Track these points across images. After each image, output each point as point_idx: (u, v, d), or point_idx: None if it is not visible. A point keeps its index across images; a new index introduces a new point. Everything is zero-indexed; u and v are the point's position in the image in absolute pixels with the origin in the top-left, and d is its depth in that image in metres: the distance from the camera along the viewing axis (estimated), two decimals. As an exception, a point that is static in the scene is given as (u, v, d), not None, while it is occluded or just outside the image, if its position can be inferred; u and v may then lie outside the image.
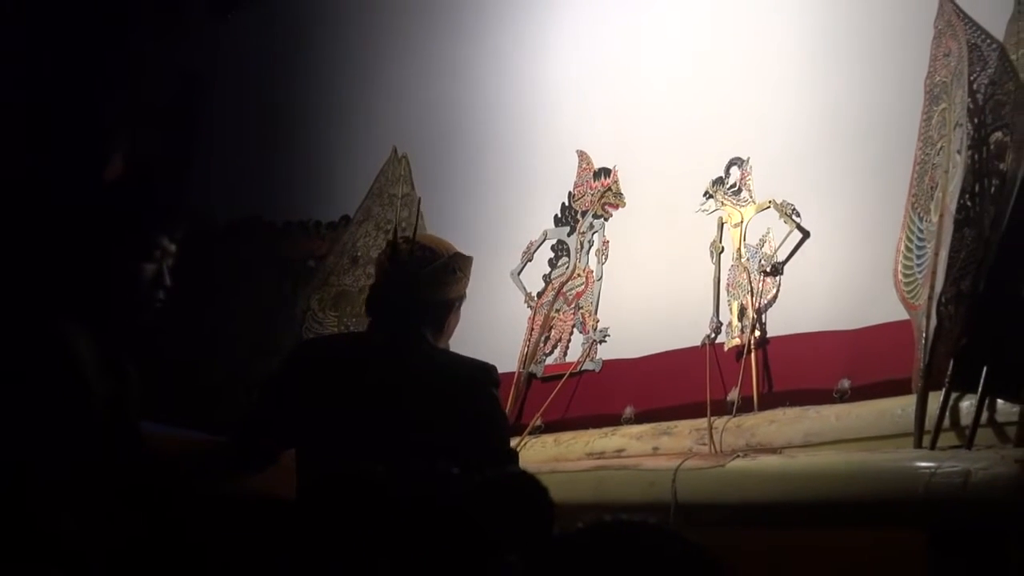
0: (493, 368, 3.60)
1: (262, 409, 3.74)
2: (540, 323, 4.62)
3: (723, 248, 4.20)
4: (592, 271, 4.58)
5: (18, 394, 3.03)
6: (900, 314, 3.54)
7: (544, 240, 4.76)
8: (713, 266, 4.19)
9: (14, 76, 5.47)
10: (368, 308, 3.74)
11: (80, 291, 3.25)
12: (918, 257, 3.51)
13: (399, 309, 3.61)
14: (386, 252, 3.74)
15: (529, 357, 4.58)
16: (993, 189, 3.38)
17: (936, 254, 3.39)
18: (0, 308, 3.30)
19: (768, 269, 4.03)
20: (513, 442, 4.14)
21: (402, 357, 3.54)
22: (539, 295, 4.69)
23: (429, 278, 3.61)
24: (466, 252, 3.79)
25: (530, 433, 4.34)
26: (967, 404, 3.28)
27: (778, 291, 4.02)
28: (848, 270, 3.89)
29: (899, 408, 3.44)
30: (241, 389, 5.03)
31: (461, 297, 3.73)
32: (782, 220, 4.06)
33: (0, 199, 5.00)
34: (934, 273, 3.37)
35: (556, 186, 4.77)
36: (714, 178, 4.29)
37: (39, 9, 5.61)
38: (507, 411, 4.30)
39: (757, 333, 3.99)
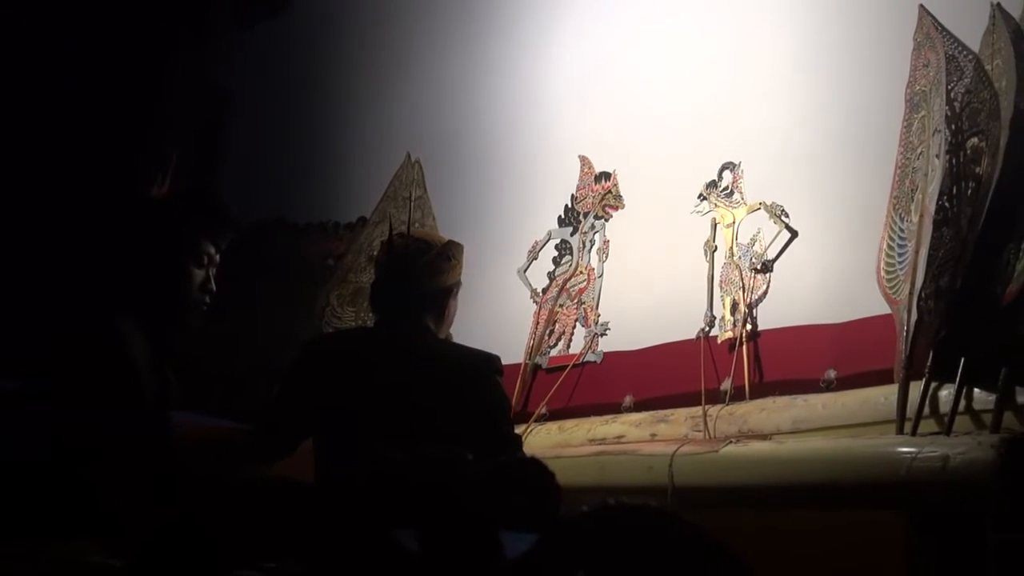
0: (496, 357, 3.58)
1: (279, 402, 3.74)
2: (545, 318, 4.61)
3: (716, 247, 4.19)
4: (593, 269, 4.57)
5: (78, 384, 3.04)
6: (883, 309, 3.54)
7: (548, 240, 4.76)
8: (707, 264, 4.19)
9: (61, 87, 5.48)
10: (373, 304, 3.73)
11: (136, 294, 3.27)
12: (899, 255, 3.51)
13: (401, 300, 3.59)
14: (383, 249, 3.73)
15: (534, 349, 4.58)
16: (970, 191, 3.37)
17: (916, 252, 3.38)
18: (67, 305, 3.32)
19: (759, 267, 4.03)
20: (519, 429, 4.15)
21: (409, 348, 3.53)
22: (544, 291, 4.69)
23: (427, 267, 3.59)
24: (475, 252, 3.80)
25: (535, 421, 4.34)
26: (946, 393, 3.28)
27: (768, 287, 4.02)
28: (834, 267, 3.88)
29: (882, 397, 3.44)
30: (264, 380, 5.04)
31: (458, 284, 3.70)
32: (772, 221, 4.07)
33: (68, 204, 5.03)
34: (915, 270, 3.37)
35: (559, 189, 4.77)
36: (707, 181, 4.29)
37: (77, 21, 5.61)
38: (513, 400, 4.32)
39: (748, 327, 3.98)
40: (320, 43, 5.84)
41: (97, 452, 3.02)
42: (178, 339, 3.42)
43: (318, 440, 3.54)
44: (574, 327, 4.54)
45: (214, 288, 3.39)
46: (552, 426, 4.31)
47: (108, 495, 3.00)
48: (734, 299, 4.06)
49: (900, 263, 3.49)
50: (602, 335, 4.46)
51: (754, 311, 4.01)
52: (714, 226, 4.21)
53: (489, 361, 3.59)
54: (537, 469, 2.33)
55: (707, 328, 4.11)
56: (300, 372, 3.67)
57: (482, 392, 3.50)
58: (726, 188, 4.24)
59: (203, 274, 3.38)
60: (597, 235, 4.61)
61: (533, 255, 4.77)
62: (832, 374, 3.73)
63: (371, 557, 2.38)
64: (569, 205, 4.74)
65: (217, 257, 3.42)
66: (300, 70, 5.83)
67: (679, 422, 3.94)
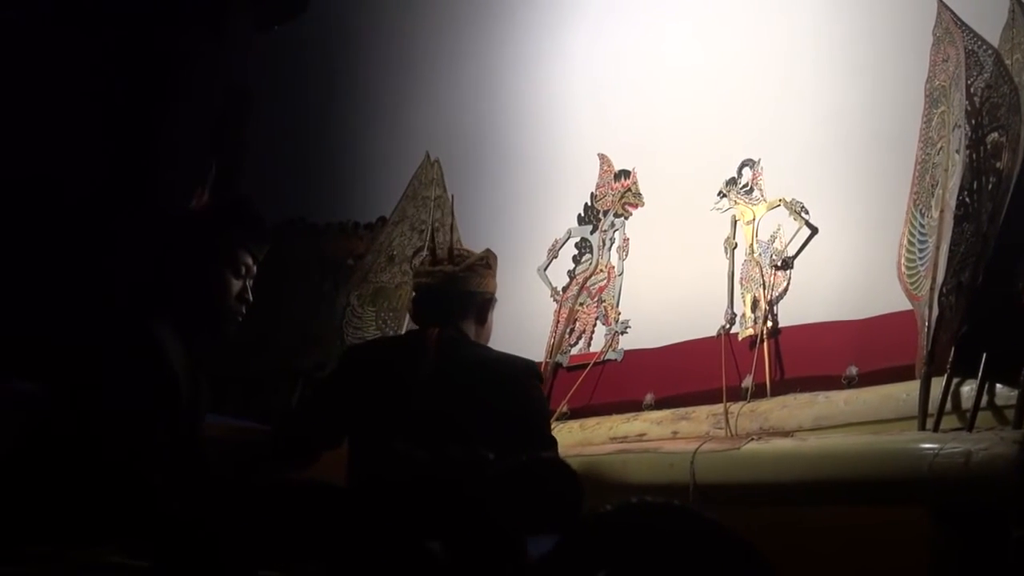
0: (535, 364, 3.65)
1: (310, 412, 3.77)
2: (565, 316, 4.62)
3: (736, 244, 4.19)
4: (613, 266, 4.58)
5: (117, 388, 3.06)
6: (904, 305, 3.53)
7: (568, 238, 4.76)
8: (727, 261, 4.18)
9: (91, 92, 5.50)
10: (414, 313, 3.78)
11: (175, 302, 3.30)
12: (920, 251, 3.49)
13: (445, 306, 3.65)
14: (426, 259, 3.80)
15: (555, 348, 4.58)
16: (990, 186, 3.36)
17: (937, 248, 3.37)
18: (106, 313, 3.34)
19: (779, 263, 4.03)
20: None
21: (449, 355, 3.56)
22: (564, 290, 4.70)
23: (470, 271, 3.66)
24: (495, 251, 3.84)
25: (557, 419, 4.33)
26: (968, 389, 3.26)
27: (788, 284, 4.01)
28: (854, 264, 3.87)
29: (904, 393, 3.43)
30: (285, 380, 5.06)
31: (494, 295, 3.77)
32: (791, 217, 4.06)
33: (109, 213, 5.05)
34: (935, 266, 3.36)
35: (579, 187, 4.78)
36: (727, 178, 4.29)
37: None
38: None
39: (769, 324, 3.98)
40: (338, 43, 5.86)
41: (126, 454, 3.03)
42: (213, 347, 3.45)
43: (353, 446, 3.57)
44: (594, 325, 4.55)
45: (251, 298, 3.43)
46: (573, 424, 4.31)
47: (135, 496, 3.02)
48: (755, 296, 4.06)
49: (921, 259, 3.48)
50: (623, 333, 4.46)
51: (775, 308, 4.01)
52: (734, 223, 4.21)
53: (530, 368, 3.64)
54: (560, 468, 2.33)
55: (728, 325, 4.10)
56: (337, 383, 3.71)
57: (522, 398, 3.54)
58: (746, 185, 4.24)
59: (240, 284, 3.41)
60: (617, 233, 4.61)
61: (553, 253, 4.78)
62: (853, 370, 3.72)
63: (395, 558, 2.39)
64: (589, 203, 4.74)
65: (255, 268, 3.45)
66: (319, 70, 5.85)
67: (700, 420, 3.94)
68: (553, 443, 3.59)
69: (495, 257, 3.82)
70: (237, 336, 5.17)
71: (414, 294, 3.82)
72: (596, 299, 4.57)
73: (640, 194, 4.60)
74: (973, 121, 3.39)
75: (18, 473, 2.99)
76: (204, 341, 3.36)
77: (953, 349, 3.29)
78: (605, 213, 4.67)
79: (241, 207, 3.56)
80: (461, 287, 3.70)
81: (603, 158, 4.74)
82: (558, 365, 4.57)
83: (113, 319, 3.29)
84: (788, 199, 4.09)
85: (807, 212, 4.04)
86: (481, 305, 3.75)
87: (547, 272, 4.77)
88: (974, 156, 3.37)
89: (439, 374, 3.54)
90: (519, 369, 3.63)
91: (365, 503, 2.68)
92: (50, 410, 3.11)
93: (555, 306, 4.69)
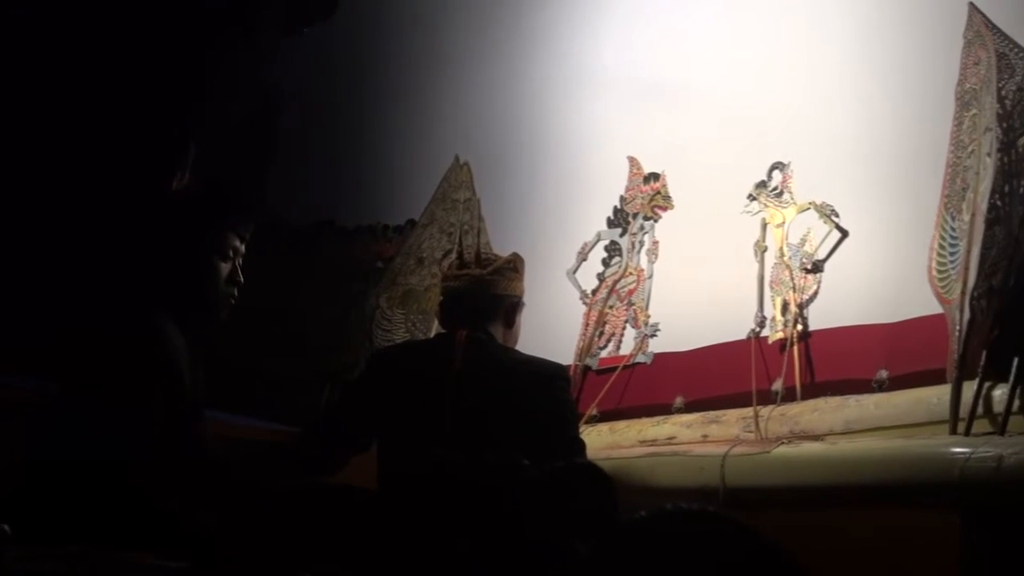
0: (564, 367, 3.66)
1: (337, 416, 3.79)
2: (594, 319, 4.62)
3: (766, 247, 4.19)
4: (643, 269, 4.58)
5: (121, 386, 3.07)
6: (935, 308, 3.53)
7: (598, 241, 4.76)
8: (757, 264, 4.18)
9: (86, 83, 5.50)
10: (442, 317, 3.80)
11: (164, 290, 3.29)
12: (951, 254, 3.49)
13: (473, 309, 3.67)
14: (453, 263, 3.81)
15: (584, 351, 4.58)
16: (1022, 190, 3.36)
17: (968, 251, 3.37)
18: (99, 305, 3.33)
19: (809, 267, 4.03)
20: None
21: (476, 358, 3.58)
22: (593, 293, 4.69)
23: (497, 275, 3.68)
24: (524, 254, 3.86)
25: (586, 422, 4.33)
26: (999, 392, 3.26)
27: (819, 287, 4.01)
28: (885, 267, 3.87)
29: (935, 397, 3.42)
30: (314, 383, 5.07)
31: (522, 299, 3.79)
32: (822, 220, 4.06)
33: (89, 202, 5.05)
34: (967, 269, 3.36)
35: (608, 190, 4.77)
36: (757, 181, 4.28)
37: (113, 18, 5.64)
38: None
39: (799, 327, 3.97)
40: (368, 44, 5.86)
41: (149, 453, 3.05)
42: (208, 334, 3.43)
43: (382, 450, 3.58)
44: (624, 328, 4.55)
45: (241, 280, 3.40)
46: (603, 427, 4.31)
47: (161, 497, 3.03)
48: (785, 299, 4.06)
49: (952, 262, 3.48)
50: (652, 336, 4.46)
51: (805, 311, 4.01)
52: (764, 226, 4.21)
53: (559, 371, 3.66)
54: (593, 473, 2.34)
55: (758, 328, 4.10)
56: (365, 385, 3.72)
57: (551, 402, 3.55)
58: (776, 188, 4.23)
59: (229, 267, 3.38)
60: (646, 236, 4.60)
61: (582, 256, 4.78)
62: (884, 374, 3.72)
63: (425, 562, 2.40)
64: (618, 206, 4.74)
65: (243, 248, 3.42)
66: (348, 73, 5.85)
67: (730, 423, 3.94)
68: (582, 446, 3.60)
69: (522, 260, 3.84)
70: (266, 338, 5.20)
71: (442, 298, 3.84)
72: (625, 302, 4.57)
73: (670, 197, 4.60)
74: (1004, 124, 3.38)
75: (36, 472, 3.01)
76: (197, 327, 3.34)
77: (984, 353, 3.29)
78: (634, 216, 4.66)
79: (225, 188, 3.53)
80: (489, 290, 3.72)
81: (632, 161, 4.74)
82: (587, 368, 4.56)
83: (115, 313, 3.27)
84: (818, 202, 4.09)
85: (837, 215, 4.04)
86: (509, 308, 3.77)
87: (576, 275, 4.77)
88: (1005, 159, 3.36)
89: (467, 377, 3.55)
90: (547, 372, 3.65)
91: (396, 507, 2.69)
92: (57, 408, 3.11)
93: (584, 309, 4.69)
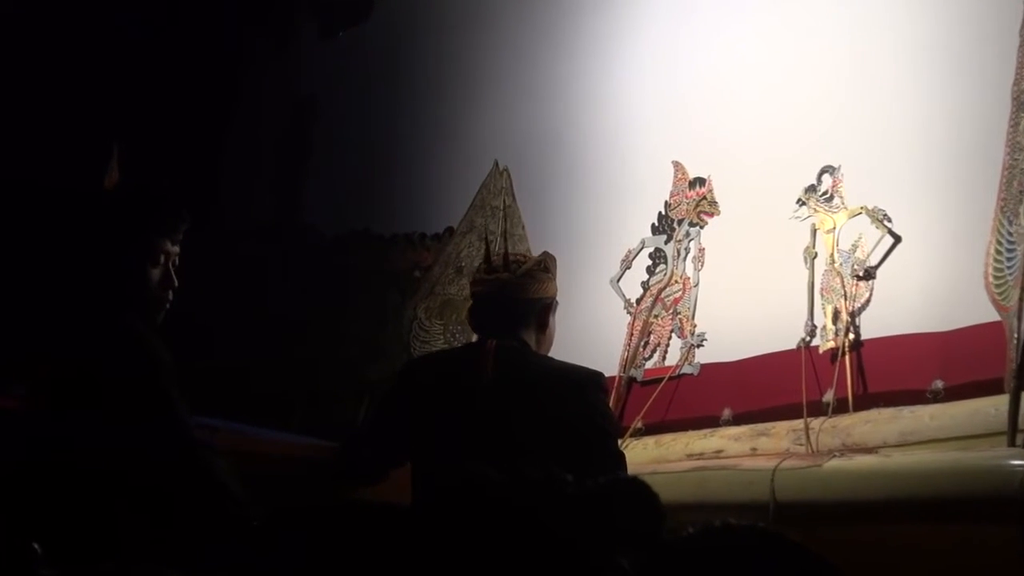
0: (601, 374, 3.65)
1: (372, 427, 3.81)
2: (639, 329, 4.63)
3: (816, 254, 4.18)
4: (689, 277, 4.59)
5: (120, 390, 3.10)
6: (991, 315, 3.51)
7: (642, 248, 4.77)
8: (807, 271, 4.17)
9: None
10: (472, 321, 3.81)
11: (96, 293, 3.31)
12: (1008, 260, 3.48)
13: (502, 315, 3.67)
14: (480, 267, 3.81)
15: (629, 362, 4.60)
16: (1080, 192, 3.36)
17: (1026, 256, 3.38)
18: (60, 312, 3.35)
19: (861, 273, 4.01)
20: (615, 444, 4.19)
21: (510, 365, 3.59)
22: (638, 302, 4.70)
23: (527, 277, 3.68)
24: (566, 262, 3.86)
25: (631, 435, 4.35)
26: (1060, 403, 3.27)
27: (871, 295, 4.00)
28: (939, 273, 3.86)
29: (992, 408, 3.41)
30: (351, 396, 5.10)
31: (555, 299, 3.78)
32: (874, 225, 4.04)
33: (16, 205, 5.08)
34: (1024, 275, 3.37)
35: (652, 196, 4.78)
36: (806, 185, 4.27)
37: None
38: (611, 414, 4.36)
39: (851, 336, 3.96)
40: (404, 47, 5.89)
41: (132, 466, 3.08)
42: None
43: (416, 462, 3.60)
44: (670, 338, 4.56)
45: (175, 284, 3.39)
46: (648, 440, 4.33)
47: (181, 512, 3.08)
48: (836, 307, 4.05)
49: (1009, 268, 3.46)
50: (699, 346, 4.47)
51: (857, 319, 4.00)
52: (814, 232, 4.20)
53: (593, 378, 3.64)
54: (639, 489, 2.35)
55: (808, 338, 4.10)
56: (395, 397, 3.74)
57: (586, 410, 3.54)
58: (826, 192, 4.23)
59: (161, 271, 3.39)
60: (692, 243, 4.61)
61: (626, 264, 4.79)
62: (939, 384, 3.71)
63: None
64: (663, 212, 4.74)
65: (176, 249, 3.41)
66: (383, 77, 5.88)
67: (780, 436, 3.94)
68: (621, 458, 3.59)
69: (554, 259, 3.82)
70: (299, 352, 5.23)
71: (470, 304, 3.86)
72: (671, 311, 4.58)
73: (716, 202, 4.60)
74: (1062, 125, 3.39)
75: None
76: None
77: (1043, 362, 3.29)
78: (680, 222, 4.67)
79: (149, 190, 3.51)
80: (519, 295, 3.71)
81: (677, 165, 4.74)
82: (632, 379, 4.58)
83: (82, 319, 3.28)
84: (870, 207, 4.07)
85: (890, 220, 4.02)
86: (541, 311, 3.75)
87: (620, 284, 4.79)
88: (1063, 162, 3.36)
89: (497, 389, 3.55)
90: (582, 380, 3.63)
91: (436, 526, 2.71)
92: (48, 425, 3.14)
93: (629, 319, 4.70)
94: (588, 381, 3.63)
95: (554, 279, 3.81)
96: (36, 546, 2.49)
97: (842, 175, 4.21)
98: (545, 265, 3.79)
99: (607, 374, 4.24)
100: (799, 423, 3.89)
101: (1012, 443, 3.26)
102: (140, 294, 3.35)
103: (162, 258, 3.38)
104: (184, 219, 3.46)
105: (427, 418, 3.60)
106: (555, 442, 3.39)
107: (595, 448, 3.48)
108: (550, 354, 3.79)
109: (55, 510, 2.97)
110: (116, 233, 3.36)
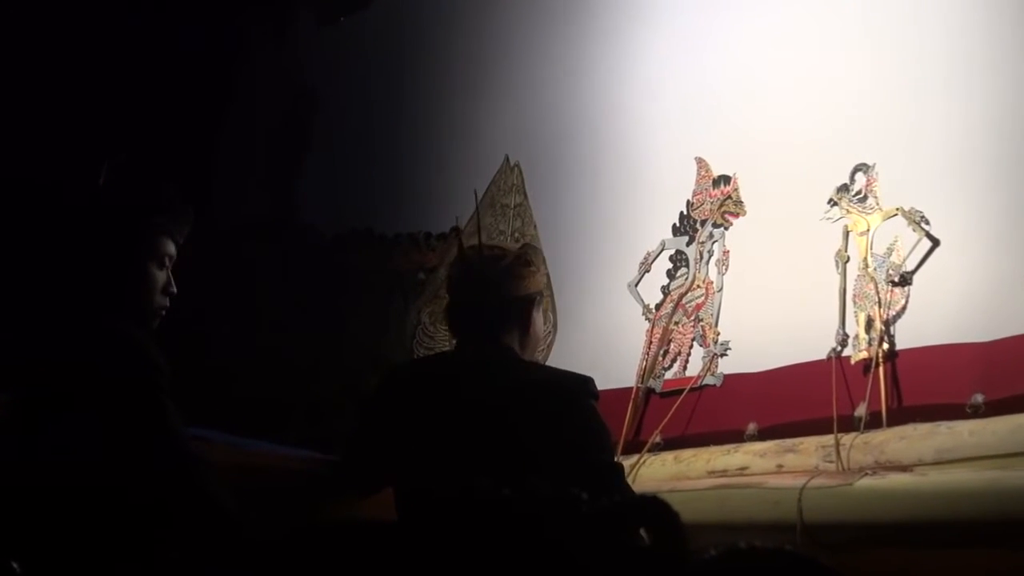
0: (590, 380, 3.56)
1: (361, 434, 3.77)
2: (658, 336, 4.60)
3: (849, 257, 4.16)
4: (712, 282, 4.56)
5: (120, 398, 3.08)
6: (1035, 325, 3.51)
7: (662, 250, 4.74)
8: (838, 276, 4.15)
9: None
10: (450, 324, 3.74)
11: (96, 300, 3.28)
12: (1052, 265, 3.49)
13: (482, 313, 3.59)
14: (455, 264, 3.74)
15: (647, 372, 4.56)
16: None
17: (1072, 262, 3.36)
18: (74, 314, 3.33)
19: (896, 279, 3.99)
20: (631, 460, 4.16)
21: (492, 372, 3.52)
22: (657, 307, 4.67)
23: (506, 273, 3.60)
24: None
25: (649, 450, 4.32)
26: (1109, 419, 3.25)
27: (907, 302, 3.98)
28: (980, 279, 3.83)
29: (1035, 424, 3.39)
30: (351, 405, 5.08)
31: (540, 294, 3.71)
32: (910, 228, 4.02)
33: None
34: (1070, 282, 3.35)
35: (674, 194, 4.75)
36: (838, 185, 4.25)
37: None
38: (624, 427, 4.33)
39: (885, 346, 3.94)
40: (407, 38, 5.90)
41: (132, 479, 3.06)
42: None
43: (401, 478, 3.55)
44: (691, 347, 4.53)
45: (175, 290, 3.38)
46: (667, 456, 4.29)
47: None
48: (869, 315, 4.03)
49: (1054, 274, 3.47)
50: (722, 355, 4.44)
51: (891, 328, 3.97)
52: (846, 234, 4.18)
53: (582, 384, 3.56)
54: (659, 508, 2.30)
55: (839, 347, 4.06)
56: (379, 403, 3.69)
57: (575, 419, 3.47)
58: (859, 192, 4.21)
59: (165, 276, 3.37)
60: (716, 245, 4.59)
61: (645, 267, 4.76)
62: (979, 398, 3.67)
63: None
64: (685, 212, 4.72)
65: (175, 255, 3.41)
66: (386, 68, 5.90)
67: (808, 452, 3.90)
68: (619, 470, 3.52)
69: (537, 251, 3.77)
70: (297, 358, 5.22)
71: (448, 307, 3.74)
72: (693, 318, 4.56)
73: (741, 202, 4.58)
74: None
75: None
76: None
77: (1092, 375, 3.27)
78: (703, 223, 4.65)
79: (158, 189, 3.50)
80: (497, 294, 3.60)
81: (700, 162, 4.72)
82: (651, 391, 4.55)
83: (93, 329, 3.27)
84: (906, 208, 4.05)
85: (927, 222, 4.00)
86: (523, 309, 3.63)
87: (639, 288, 4.76)
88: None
89: (482, 396, 3.49)
90: (569, 387, 3.53)
91: (432, 544, 2.67)
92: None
93: (647, 326, 4.67)
94: (578, 389, 3.54)
95: (538, 271, 3.75)
96: (15, 564, 2.48)
97: (877, 174, 4.19)
98: (526, 259, 3.71)
99: (624, 384, 4.20)
100: (829, 439, 3.86)
101: (1058, 462, 3.23)
102: (140, 299, 3.33)
103: (166, 260, 3.36)
104: (189, 220, 3.45)
105: (410, 430, 3.54)
106: (544, 452, 3.32)
107: (592, 463, 3.41)
108: (551, 354, 3.73)
109: (35, 526, 2.95)
110: (118, 234, 3.33)
